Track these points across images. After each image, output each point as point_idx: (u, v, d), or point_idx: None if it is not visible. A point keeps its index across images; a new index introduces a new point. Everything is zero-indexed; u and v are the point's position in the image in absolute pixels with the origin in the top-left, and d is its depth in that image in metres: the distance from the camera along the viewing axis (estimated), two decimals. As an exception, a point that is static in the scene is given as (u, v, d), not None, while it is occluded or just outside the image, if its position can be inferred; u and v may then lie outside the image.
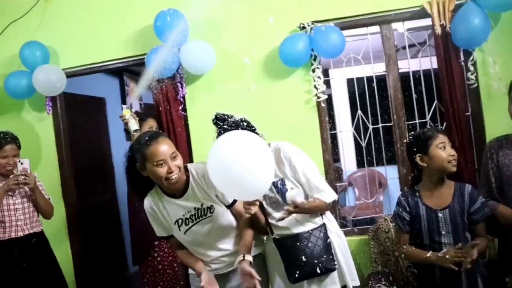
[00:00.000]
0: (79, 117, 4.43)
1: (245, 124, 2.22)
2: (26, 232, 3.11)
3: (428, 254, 2.30)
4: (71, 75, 3.77)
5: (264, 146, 1.94)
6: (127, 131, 3.23)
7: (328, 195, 2.31)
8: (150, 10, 3.38)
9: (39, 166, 3.89)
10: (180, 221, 2.25)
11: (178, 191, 2.21)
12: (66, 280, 3.33)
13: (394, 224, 2.60)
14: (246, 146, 1.89)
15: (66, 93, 3.89)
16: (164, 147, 2.06)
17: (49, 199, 3.30)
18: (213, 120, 2.28)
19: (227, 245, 2.31)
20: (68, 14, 3.77)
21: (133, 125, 3.04)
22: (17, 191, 3.11)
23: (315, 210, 2.32)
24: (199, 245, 2.32)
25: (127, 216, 3.65)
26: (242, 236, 2.25)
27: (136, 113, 3.26)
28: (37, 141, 3.91)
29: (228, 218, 2.29)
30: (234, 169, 1.84)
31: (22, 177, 3.00)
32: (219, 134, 2.21)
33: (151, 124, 3.38)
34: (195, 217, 2.24)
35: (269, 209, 2.33)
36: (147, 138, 2.08)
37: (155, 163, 2.04)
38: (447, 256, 2.19)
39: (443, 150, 2.34)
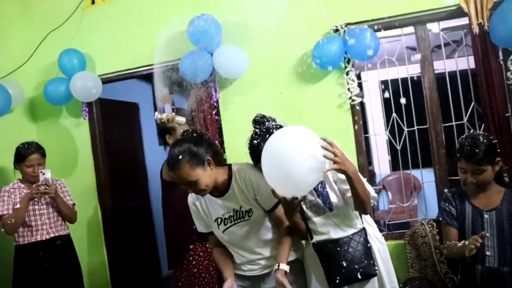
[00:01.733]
0: (113, 122, 4.52)
1: (277, 130, 2.18)
2: (52, 235, 3.31)
3: (460, 244, 2.25)
4: (106, 81, 3.86)
5: (315, 141, 1.89)
6: (162, 134, 3.27)
7: (370, 189, 2.18)
8: (184, 16, 3.42)
9: (76, 170, 4.00)
10: (219, 220, 2.26)
11: (220, 190, 2.22)
12: (100, 282, 3.43)
13: (440, 219, 2.55)
14: (297, 138, 1.87)
15: (102, 99, 3.98)
16: (179, 177, 2.08)
17: (74, 204, 3.44)
18: (252, 121, 2.28)
19: (263, 249, 2.30)
20: (103, 22, 3.86)
21: (180, 118, 3.01)
22: (42, 198, 3.29)
23: (361, 188, 2.03)
24: (236, 246, 2.33)
25: (161, 220, 3.68)
26: (280, 243, 2.23)
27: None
28: (73, 146, 4.01)
29: (266, 223, 2.28)
30: (285, 157, 1.83)
31: (43, 187, 3.18)
32: (251, 137, 2.21)
33: (183, 128, 3.38)
34: (234, 218, 2.24)
35: (309, 213, 2.29)
36: (167, 162, 2.10)
37: (181, 185, 2.12)
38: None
39: None
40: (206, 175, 2.09)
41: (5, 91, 3.65)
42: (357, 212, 2.28)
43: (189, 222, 3.03)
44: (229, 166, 2.26)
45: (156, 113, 3.01)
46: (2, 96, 3.60)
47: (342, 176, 2.10)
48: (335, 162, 1.88)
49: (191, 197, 2.33)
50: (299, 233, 2.28)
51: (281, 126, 2.20)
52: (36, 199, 3.26)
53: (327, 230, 2.26)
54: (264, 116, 2.26)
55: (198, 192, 2.13)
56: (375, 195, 2.19)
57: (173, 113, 2.99)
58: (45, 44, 3.94)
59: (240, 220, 2.24)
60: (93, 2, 4.03)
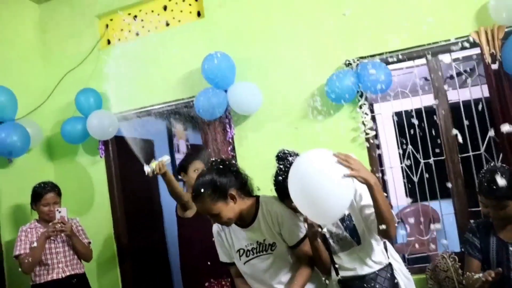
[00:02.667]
0: (129, 160, 4.52)
1: None
2: (68, 274, 3.30)
3: (476, 276, 2.19)
4: (122, 119, 3.91)
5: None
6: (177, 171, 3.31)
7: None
8: (198, 54, 3.49)
9: (92, 208, 4.02)
10: (241, 251, 2.23)
11: (245, 221, 2.20)
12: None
13: (463, 250, 2.49)
14: (326, 165, 1.83)
15: (117, 137, 4.02)
16: (202, 210, 2.10)
17: (89, 243, 3.46)
18: (275, 157, 2.26)
19: (283, 286, 2.26)
20: (119, 61, 3.94)
21: (165, 158, 3.04)
22: (58, 236, 3.31)
23: (385, 201, 1.92)
24: (256, 279, 2.28)
25: (177, 256, 3.66)
26: (298, 272, 2.18)
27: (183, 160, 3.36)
28: (90, 184, 4.05)
29: (288, 259, 2.24)
30: (312, 186, 1.80)
31: (59, 225, 3.21)
32: (276, 173, 2.20)
33: (197, 166, 3.40)
34: (256, 250, 2.21)
35: (335, 247, 2.24)
36: (192, 192, 2.11)
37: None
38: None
39: None
40: (228, 209, 2.08)
41: (24, 131, 3.71)
42: (383, 247, 2.22)
43: (205, 259, 3.03)
44: (257, 197, 2.25)
45: (145, 167, 3.00)
46: (21, 136, 3.66)
47: (365, 202, 2.06)
48: (351, 170, 1.81)
49: (216, 226, 2.31)
50: (322, 266, 2.23)
51: None
52: (52, 238, 3.28)
53: (353, 266, 2.19)
54: (287, 152, 2.23)
55: (222, 224, 2.14)
56: (397, 220, 2.10)
57: (158, 160, 3.00)
58: (63, 84, 4.04)
59: (263, 253, 2.20)
60: (108, 43, 4.15)
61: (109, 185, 4.01)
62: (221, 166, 2.13)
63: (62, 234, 3.28)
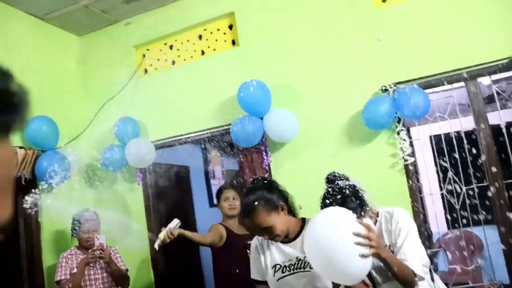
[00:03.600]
0: (165, 186, 4.60)
1: (349, 191, 2.09)
2: None
3: None
4: (159, 147, 3.96)
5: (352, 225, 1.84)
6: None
7: (416, 264, 1.99)
8: (233, 81, 3.53)
9: (130, 235, 4.05)
10: (278, 266, 2.21)
11: (288, 236, 2.20)
12: None
13: None
14: (340, 228, 1.83)
15: (154, 163, 4.08)
16: (253, 227, 2.13)
17: (127, 270, 3.51)
18: (325, 179, 2.23)
19: None
20: (157, 90, 4.03)
21: (173, 224, 3.06)
22: (97, 263, 3.37)
23: (398, 268, 1.93)
24: None
25: (212, 283, 3.65)
26: None
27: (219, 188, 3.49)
28: (128, 211, 4.09)
29: (325, 281, 2.18)
30: (329, 251, 1.79)
31: (98, 252, 3.29)
32: (324, 196, 2.16)
33: (226, 195, 3.45)
34: (294, 267, 2.18)
35: (378, 278, 2.18)
36: (243, 210, 2.15)
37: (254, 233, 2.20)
38: None
39: None
40: (281, 221, 2.12)
41: (65, 159, 3.82)
42: (428, 278, 2.15)
43: (240, 287, 3.01)
44: (303, 219, 2.26)
45: (155, 244, 3.00)
46: (62, 164, 3.77)
47: (401, 238, 2.03)
48: (370, 247, 1.81)
49: (256, 241, 2.32)
50: None
51: (353, 186, 2.13)
52: (91, 264, 3.34)
53: None
54: (336, 175, 2.21)
55: (273, 238, 2.14)
56: (424, 275, 2.00)
57: (167, 229, 3.02)
58: (102, 113, 4.14)
59: (300, 270, 2.17)
60: (145, 72, 4.25)
61: (146, 212, 4.05)
62: (265, 182, 2.21)
63: (101, 261, 3.34)
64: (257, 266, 2.31)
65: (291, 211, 2.26)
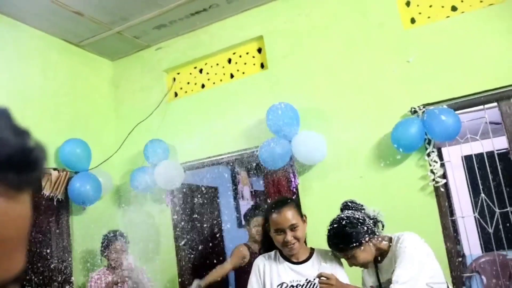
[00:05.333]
0: (194, 207, 4.64)
1: (346, 222, 2.12)
2: None
3: None
4: (188, 169, 4.01)
5: None
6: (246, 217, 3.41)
7: (400, 286, 1.95)
8: (262, 104, 3.56)
9: (159, 255, 4.09)
10: (284, 284, 2.19)
11: (298, 258, 2.24)
12: None
13: None
14: None
15: (183, 184, 4.12)
16: (285, 217, 2.16)
17: None
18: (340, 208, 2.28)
19: None
20: (186, 113, 4.10)
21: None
22: (125, 284, 3.42)
23: None
24: None
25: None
26: None
27: (249, 210, 3.58)
28: (157, 232, 4.14)
29: None
30: None
31: (126, 272, 3.36)
32: (330, 223, 2.20)
33: (260, 222, 3.43)
34: (302, 287, 2.18)
35: None
36: (274, 204, 2.23)
37: (274, 230, 2.18)
38: None
39: None
40: (303, 228, 2.21)
41: (96, 180, 3.91)
42: None
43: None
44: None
45: None
46: (93, 185, 3.86)
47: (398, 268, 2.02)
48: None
49: (261, 259, 2.32)
50: None
51: (353, 216, 2.15)
52: (119, 285, 3.39)
53: None
54: (349, 204, 2.25)
55: (291, 240, 2.14)
56: None
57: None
58: (132, 136, 4.23)
59: None
60: (176, 95, 4.33)
61: (174, 233, 4.08)
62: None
63: (129, 282, 3.39)
64: (258, 283, 2.27)
65: None
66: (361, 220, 2.13)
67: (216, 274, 3.36)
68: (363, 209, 2.22)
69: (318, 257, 2.25)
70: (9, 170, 0.36)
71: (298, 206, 2.26)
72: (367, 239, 2.10)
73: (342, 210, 2.25)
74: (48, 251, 3.85)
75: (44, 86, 3.86)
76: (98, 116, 4.38)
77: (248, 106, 3.79)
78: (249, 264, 3.34)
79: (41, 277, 3.79)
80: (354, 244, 2.08)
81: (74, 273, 3.87)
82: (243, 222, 3.78)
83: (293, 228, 2.15)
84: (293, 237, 2.15)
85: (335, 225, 2.15)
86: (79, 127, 4.04)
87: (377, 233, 2.16)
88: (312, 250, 2.29)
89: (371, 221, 2.16)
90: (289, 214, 2.16)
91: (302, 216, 2.22)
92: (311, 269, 2.19)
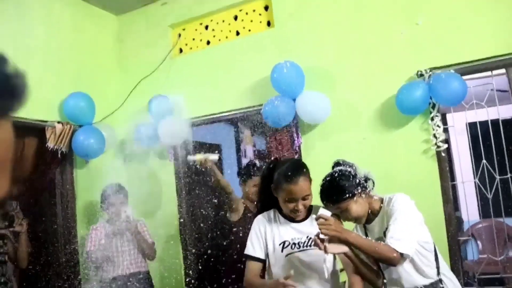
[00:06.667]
0: (197, 164, 4.66)
1: (354, 175, 2.18)
2: (131, 271, 3.49)
3: None
4: (192, 125, 4.02)
5: None
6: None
7: (402, 245, 2.00)
8: (267, 62, 3.53)
9: (160, 210, 4.16)
10: (286, 242, 2.23)
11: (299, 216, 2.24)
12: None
13: None
14: None
15: (186, 141, 4.13)
16: (301, 188, 2.12)
17: (153, 243, 3.62)
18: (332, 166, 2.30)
19: (321, 286, 2.22)
20: (191, 69, 4.08)
21: (212, 156, 3.26)
22: (124, 236, 3.50)
23: (368, 248, 2.02)
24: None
25: (239, 256, 3.73)
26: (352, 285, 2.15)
27: (246, 169, 3.56)
28: (159, 186, 4.19)
29: (332, 259, 2.24)
30: None
31: (124, 224, 3.43)
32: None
33: (255, 182, 3.46)
34: (304, 244, 2.21)
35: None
36: (290, 173, 2.13)
37: (286, 199, 2.14)
38: None
39: None
40: (312, 194, 2.18)
41: (100, 134, 3.93)
42: (432, 263, 2.20)
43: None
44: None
45: (189, 157, 3.26)
46: (97, 139, 3.88)
47: (393, 220, 2.07)
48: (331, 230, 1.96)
49: (261, 217, 2.32)
50: (368, 279, 2.21)
51: (349, 171, 2.20)
52: (118, 237, 3.48)
53: (398, 279, 2.19)
54: (341, 162, 2.28)
55: (300, 209, 2.14)
56: (409, 254, 2.01)
57: (205, 155, 3.24)
58: (137, 91, 4.22)
59: (310, 247, 2.19)
60: (181, 51, 4.30)
61: (177, 188, 4.13)
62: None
63: (128, 233, 3.47)
64: (254, 244, 2.29)
65: None
66: (353, 174, 2.19)
67: (220, 176, 3.42)
68: (354, 167, 2.25)
69: (318, 207, 2.25)
70: None
71: (309, 172, 2.21)
72: (359, 190, 2.15)
73: (333, 167, 2.28)
74: (53, 202, 3.92)
75: (47, 40, 3.83)
76: (102, 71, 4.36)
77: (253, 64, 3.76)
78: (242, 220, 3.41)
79: (46, 229, 3.88)
80: (347, 195, 2.12)
81: (78, 225, 3.95)
82: (239, 180, 3.79)
83: (305, 197, 2.14)
84: (303, 205, 2.15)
85: (327, 178, 2.21)
86: (83, 81, 4.03)
87: (368, 189, 2.20)
88: (310, 207, 2.29)
89: (363, 178, 2.20)
90: (305, 185, 2.13)
91: (311, 181, 2.19)
92: (310, 227, 2.21)
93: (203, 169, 3.39)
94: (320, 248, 1.96)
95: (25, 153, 3.70)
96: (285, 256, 2.24)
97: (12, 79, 0.39)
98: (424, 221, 2.19)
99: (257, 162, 3.80)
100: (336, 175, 2.18)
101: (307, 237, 2.21)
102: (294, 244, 2.22)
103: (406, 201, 2.15)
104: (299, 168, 2.17)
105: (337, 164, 2.28)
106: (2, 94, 0.37)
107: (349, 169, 2.21)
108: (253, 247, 2.30)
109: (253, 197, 3.54)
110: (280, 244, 2.24)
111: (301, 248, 2.22)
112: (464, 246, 4.99)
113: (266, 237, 2.29)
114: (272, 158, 2.42)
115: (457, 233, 3.28)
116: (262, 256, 2.29)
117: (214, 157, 3.25)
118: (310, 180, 2.17)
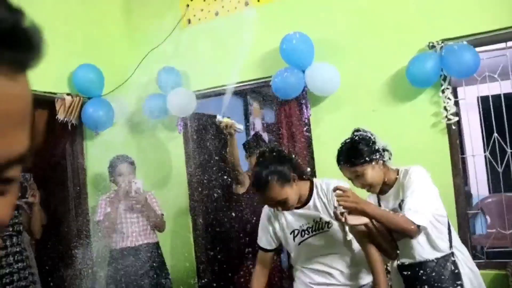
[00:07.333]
0: (206, 136, 4.67)
1: (359, 138, 2.19)
2: (140, 242, 3.52)
3: None
4: (201, 97, 4.01)
5: None
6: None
7: (419, 217, 2.00)
8: (277, 34, 3.48)
9: (170, 182, 4.19)
10: (296, 231, 2.26)
11: (301, 201, 2.24)
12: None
13: None
14: None
15: (195, 113, 4.14)
16: (270, 198, 2.12)
17: (162, 214, 3.64)
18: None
19: (340, 264, 2.25)
20: (200, 40, 4.03)
21: (239, 126, 3.23)
22: (133, 207, 3.52)
23: (387, 220, 2.01)
24: (311, 260, 2.30)
25: (250, 229, 3.77)
26: (372, 266, 2.13)
27: (252, 141, 3.60)
28: (168, 158, 4.21)
29: (345, 236, 2.24)
30: None
31: (133, 193, 3.42)
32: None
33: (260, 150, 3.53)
34: (312, 229, 2.23)
35: (396, 234, 2.22)
36: (255, 185, 2.17)
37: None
38: None
39: None
40: (294, 192, 2.14)
41: (109, 106, 3.94)
42: (445, 236, 2.20)
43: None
44: (311, 181, 2.30)
45: (218, 116, 3.21)
46: (106, 111, 3.89)
47: (409, 192, 2.07)
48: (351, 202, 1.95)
49: (268, 211, 2.36)
50: (383, 251, 2.22)
51: (373, 140, 2.19)
52: (127, 208, 3.51)
53: (411, 252, 2.19)
54: (365, 132, 2.25)
55: (286, 209, 2.17)
56: (423, 223, 2.00)
57: (233, 121, 3.18)
58: (145, 62, 4.20)
59: (319, 231, 2.22)
60: (189, 22, 4.25)
61: (186, 160, 4.15)
62: (275, 154, 2.18)
63: (137, 205, 3.48)
64: (266, 235, 2.35)
65: (302, 176, 2.27)
66: (373, 140, 2.19)
67: (235, 149, 3.35)
68: (374, 136, 2.24)
69: (318, 192, 2.25)
70: (5, 49, 0.36)
71: (281, 175, 2.09)
72: (377, 157, 2.15)
73: (353, 133, 2.28)
74: (64, 174, 3.96)
75: (55, 11, 3.79)
76: (111, 42, 4.33)
77: (262, 35, 3.71)
78: (246, 193, 3.44)
79: (58, 200, 3.93)
80: (366, 159, 2.12)
81: (88, 196, 4.00)
82: (244, 152, 3.81)
83: (280, 201, 2.11)
84: (286, 207, 2.15)
85: (348, 141, 2.22)
86: (91, 53, 4.01)
87: (385, 159, 2.20)
88: (311, 185, 2.26)
89: (381, 147, 2.19)
90: (274, 193, 2.09)
91: (289, 180, 2.10)
92: (314, 211, 2.23)
93: (224, 134, 3.31)
94: (340, 221, 1.97)
95: (36, 125, 3.72)
96: (298, 245, 2.28)
97: (29, 32, 0.39)
98: (439, 194, 2.19)
99: (263, 134, 3.79)
100: (357, 138, 2.19)
101: (314, 220, 2.22)
102: (303, 231, 2.25)
103: (423, 174, 2.15)
104: (258, 183, 2.12)
105: (357, 130, 2.27)
106: (19, 47, 0.38)
107: (369, 135, 2.21)
108: (261, 238, 2.37)
109: None
110: (291, 234, 2.28)
111: (311, 233, 2.24)
112: (472, 221, 4.98)
113: (275, 230, 2.33)
114: (260, 150, 2.38)
115: (466, 207, 3.27)
116: (268, 247, 2.35)
117: (240, 126, 3.23)
118: (283, 182, 2.09)
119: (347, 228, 2.07)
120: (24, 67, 0.40)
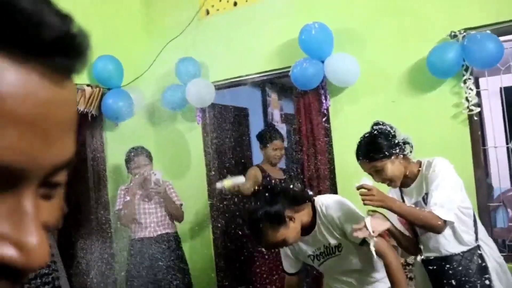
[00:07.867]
0: (224, 127, 4.70)
1: (378, 132, 2.16)
2: (159, 232, 3.58)
3: None
4: (219, 87, 4.02)
5: None
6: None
7: (445, 212, 1.96)
8: (295, 24, 3.46)
9: (188, 172, 4.22)
10: (312, 256, 2.22)
11: (306, 229, 2.15)
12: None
13: None
14: None
15: (214, 104, 4.16)
16: (266, 243, 2.06)
17: (181, 204, 3.68)
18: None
19: (361, 280, 2.20)
20: (218, 31, 4.04)
21: (238, 180, 3.38)
22: (152, 198, 3.58)
23: (412, 216, 2.00)
24: (333, 278, 2.28)
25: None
26: (390, 276, 2.05)
27: (266, 132, 3.68)
28: (187, 149, 4.24)
29: (359, 256, 2.16)
30: None
31: (149, 182, 3.47)
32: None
33: (278, 145, 3.67)
34: (325, 254, 2.17)
35: (419, 229, 2.20)
36: (250, 230, 2.12)
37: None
38: None
39: None
40: (291, 230, 2.03)
41: (129, 97, 3.97)
42: (471, 229, 2.17)
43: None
44: (312, 202, 2.18)
45: (218, 184, 3.41)
46: (126, 102, 3.92)
47: (434, 186, 2.03)
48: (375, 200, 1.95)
49: None
50: (405, 247, 2.21)
51: (387, 130, 2.16)
52: (146, 199, 3.56)
53: (436, 246, 2.16)
54: (380, 123, 2.23)
55: (289, 245, 2.15)
56: (450, 218, 1.97)
57: (233, 181, 3.34)
58: (164, 53, 4.21)
59: (332, 255, 2.17)
60: (207, 13, 4.24)
61: (205, 150, 4.17)
62: (266, 194, 2.07)
63: (156, 196, 3.54)
64: (286, 259, 2.32)
65: (303, 201, 2.16)
66: (392, 134, 2.15)
67: (239, 182, 3.44)
68: (394, 129, 2.20)
69: (320, 216, 2.13)
70: (55, 54, 0.36)
71: (273, 219, 1.98)
72: (397, 151, 2.11)
73: (372, 127, 2.24)
74: (84, 164, 4.01)
75: (74, 3, 3.80)
76: (129, 33, 4.35)
77: (281, 26, 3.69)
78: (261, 186, 3.44)
79: (78, 190, 3.99)
80: (385, 154, 2.08)
81: (108, 186, 4.05)
82: (259, 143, 3.84)
83: (277, 245, 2.07)
84: (287, 245, 2.12)
85: (367, 135, 2.19)
86: (110, 45, 4.03)
87: (405, 152, 2.16)
88: (314, 209, 2.15)
89: (401, 141, 2.16)
90: (268, 239, 2.00)
91: (283, 221, 1.99)
92: (321, 235, 2.14)
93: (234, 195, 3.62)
94: (367, 236, 1.90)
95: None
96: (318, 266, 2.26)
97: (79, 38, 0.40)
98: (463, 185, 2.15)
99: (281, 125, 3.84)
100: (376, 133, 2.15)
101: (324, 246, 2.16)
102: (318, 255, 2.20)
103: (447, 166, 2.11)
104: (251, 231, 2.08)
105: (376, 124, 2.24)
106: (68, 53, 0.38)
107: (388, 129, 2.17)
108: (283, 262, 2.35)
109: (273, 160, 3.71)
110: (308, 257, 2.24)
111: (326, 258, 2.19)
112: (494, 214, 4.91)
113: (290, 254, 2.30)
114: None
115: (487, 200, 3.22)
116: (291, 271, 2.33)
117: (241, 179, 3.39)
118: (277, 226, 1.98)
119: (371, 245, 1.95)
120: (72, 72, 0.41)
